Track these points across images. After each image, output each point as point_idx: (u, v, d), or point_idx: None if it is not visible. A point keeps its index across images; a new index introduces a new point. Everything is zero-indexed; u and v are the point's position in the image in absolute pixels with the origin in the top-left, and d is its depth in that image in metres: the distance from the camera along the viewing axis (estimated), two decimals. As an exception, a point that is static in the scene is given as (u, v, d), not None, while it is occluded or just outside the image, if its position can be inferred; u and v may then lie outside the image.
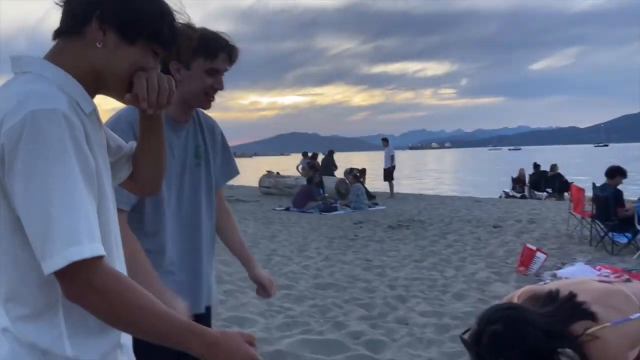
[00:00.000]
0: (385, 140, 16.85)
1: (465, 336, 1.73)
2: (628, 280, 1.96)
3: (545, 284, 5.30)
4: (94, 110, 1.09)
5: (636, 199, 7.58)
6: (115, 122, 1.60)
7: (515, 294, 1.91)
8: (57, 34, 1.07)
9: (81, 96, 1.04)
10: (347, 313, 4.66)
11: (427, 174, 44.13)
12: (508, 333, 1.59)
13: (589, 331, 1.63)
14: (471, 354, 1.69)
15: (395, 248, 7.86)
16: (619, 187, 7.69)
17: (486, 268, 6.40)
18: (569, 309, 1.69)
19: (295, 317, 4.51)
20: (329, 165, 17.06)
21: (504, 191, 18.20)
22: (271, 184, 17.56)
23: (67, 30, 1.06)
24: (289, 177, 18.07)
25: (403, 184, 24.60)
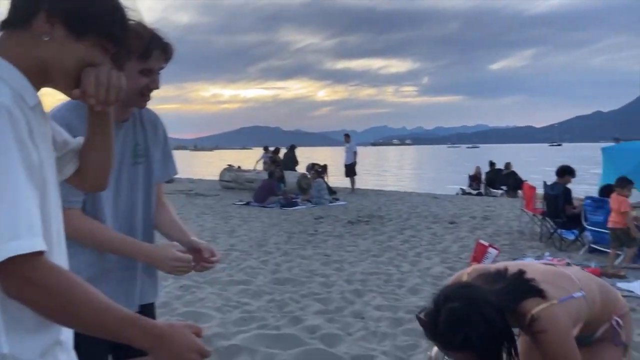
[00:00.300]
0: (347, 136, 16.98)
1: (422, 315, 1.72)
2: (568, 265, 2.03)
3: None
4: (39, 103, 1.07)
5: (584, 197, 7.89)
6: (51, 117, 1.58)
7: (463, 272, 1.91)
8: (3, 25, 1.04)
9: (25, 89, 1.02)
10: (304, 308, 4.71)
11: (388, 170, 44.67)
12: (465, 309, 1.59)
13: (538, 307, 1.66)
14: (428, 333, 1.69)
15: (354, 243, 7.96)
16: (568, 185, 8.01)
17: (441, 263, 6.57)
18: (519, 285, 1.71)
19: (252, 312, 4.52)
20: (291, 160, 17.06)
21: (461, 188, 18.62)
22: (232, 178, 17.43)
23: (14, 22, 1.03)
24: (250, 171, 17.98)
25: (364, 180, 24.82)
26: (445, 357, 1.86)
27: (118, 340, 0.98)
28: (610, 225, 6.51)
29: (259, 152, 18.58)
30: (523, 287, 1.71)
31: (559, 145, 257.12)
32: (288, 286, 5.45)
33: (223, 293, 5.15)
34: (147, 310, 1.85)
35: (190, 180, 22.94)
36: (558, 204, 7.73)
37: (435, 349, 1.82)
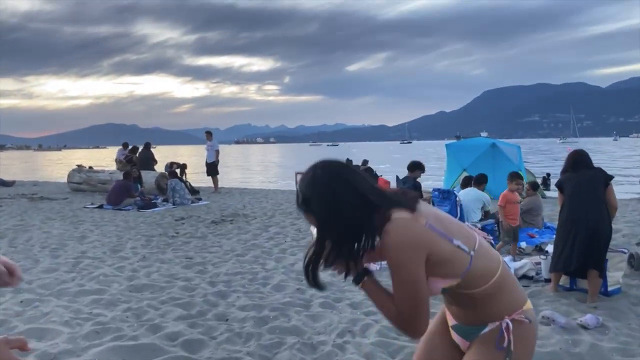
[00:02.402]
0: (209, 133, 16.55)
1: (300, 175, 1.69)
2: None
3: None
4: None
5: (431, 190, 8.53)
6: None
7: None
8: None
9: None
10: (164, 314, 4.46)
11: (252, 168, 44.59)
12: (321, 173, 1.57)
13: (400, 215, 1.52)
14: (297, 190, 1.66)
15: (217, 244, 7.77)
16: (418, 179, 8.61)
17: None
18: (401, 196, 1.61)
19: (105, 324, 4.17)
20: (148, 160, 16.20)
21: (323, 184, 19.18)
22: (82, 180, 16.08)
23: None
24: (102, 171, 16.75)
25: (228, 179, 24.50)
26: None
27: None
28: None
29: (113, 151, 17.36)
30: (402, 198, 1.59)
31: (409, 142, 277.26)
32: (146, 293, 5.13)
33: (72, 305, 4.70)
34: None
35: (34, 183, 20.79)
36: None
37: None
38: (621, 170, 29.47)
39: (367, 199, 1.55)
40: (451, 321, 1.83)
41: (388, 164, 36.86)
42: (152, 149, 17.08)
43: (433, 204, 7.93)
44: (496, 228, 7.84)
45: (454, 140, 16.70)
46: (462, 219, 7.37)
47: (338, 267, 1.65)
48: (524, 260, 5.94)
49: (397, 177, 8.93)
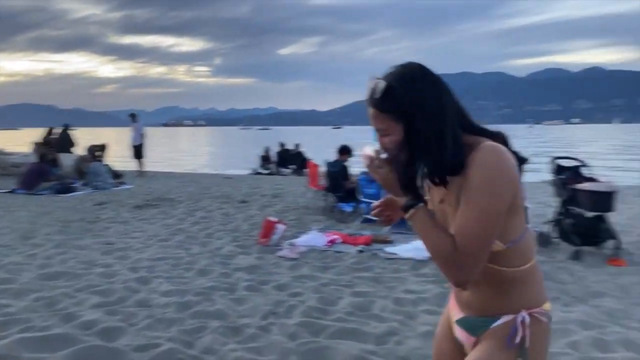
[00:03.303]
0: (133, 115, 15.90)
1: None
2: None
3: (282, 251, 5.62)
4: None
5: (359, 172, 8.66)
6: None
7: None
8: None
9: None
10: (79, 303, 4.25)
11: (180, 152, 43.44)
12: (428, 74, 1.40)
13: (492, 143, 1.35)
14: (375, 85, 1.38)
15: (140, 229, 7.51)
16: (346, 163, 8.72)
17: (231, 242, 6.58)
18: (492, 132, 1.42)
19: (13, 315, 3.92)
20: (66, 142, 15.35)
21: (252, 168, 19.03)
22: (-8, 163, 14.99)
23: None
24: (15, 154, 15.70)
25: (154, 162, 23.73)
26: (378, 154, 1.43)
27: None
28: None
29: (28, 133, 16.28)
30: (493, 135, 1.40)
31: (340, 128, 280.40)
32: (60, 281, 4.87)
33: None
34: None
35: (-64, 167, 19.15)
36: (337, 180, 8.37)
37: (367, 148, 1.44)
38: (535, 152, 31.31)
39: (464, 114, 1.40)
40: (457, 314, 1.58)
41: (319, 148, 37.07)
42: (71, 131, 16.21)
43: (360, 188, 8.06)
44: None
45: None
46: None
47: (394, 187, 1.43)
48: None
49: (327, 161, 8.99)
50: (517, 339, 1.39)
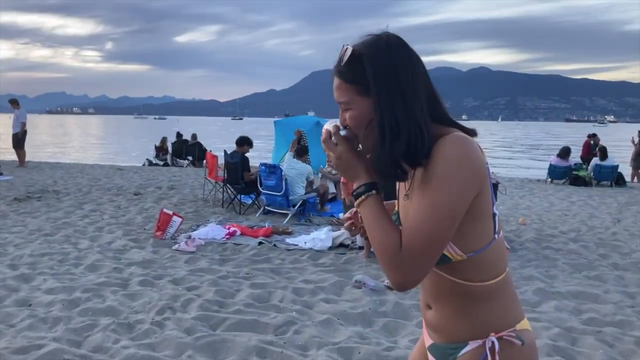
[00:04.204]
0: (14, 101, 14.54)
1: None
2: None
3: (179, 245, 5.46)
4: None
5: (258, 164, 8.63)
6: None
7: None
8: None
9: None
10: (-52, 304, 3.86)
11: (67, 141, 40.58)
12: (403, 47, 1.20)
13: (457, 134, 1.18)
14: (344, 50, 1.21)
15: (21, 223, 6.93)
16: (247, 154, 8.64)
17: (123, 236, 6.29)
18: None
19: None
20: None
21: (147, 159, 18.25)
22: None
23: None
24: None
25: (38, 152, 22.00)
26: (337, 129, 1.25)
27: None
28: None
29: None
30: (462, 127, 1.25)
31: (241, 119, 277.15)
32: None
33: None
34: None
35: None
36: (237, 172, 8.28)
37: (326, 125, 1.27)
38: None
39: (438, 102, 1.23)
40: (427, 341, 1.41)
41: (218, 139, 36.40)
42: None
43: (260, 179, 8.04)
44: (318, 201, 8.24)
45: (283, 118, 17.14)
46: (287, 192, 7.60)
47: (348, 169, 1.25)
48: (342, 230, 6.35)
49: (225, 151, 8.85)
50: None
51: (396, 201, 1.37)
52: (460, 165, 1.12)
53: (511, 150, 35.99)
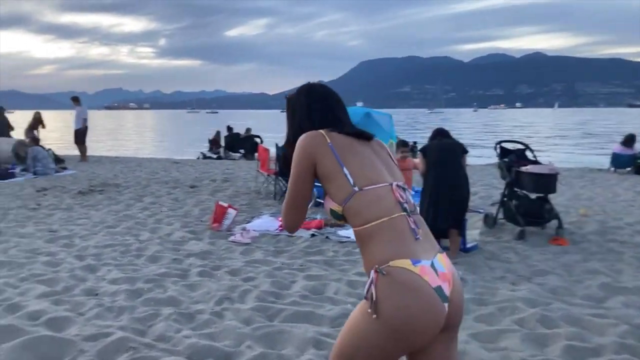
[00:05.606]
0: (76, 99, 15.20)
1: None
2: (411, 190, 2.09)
3: (234, 236, 5.56)
4: None
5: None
6: None
7: None
8: None
9: None
10: (24, 292, 4.09)
11: (124, 136, 42.10)
12: (303, 90, 1.99)
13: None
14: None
15: (85, 215, 7.26)
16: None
17: (182, 228, 6.47)
18: (337, 122, 1.89)
19: (-49, 307, 3.73)
20: (2, 126, 14.55)
21: (201, 152, 18.69)
22: None
23: None
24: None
25: (98, 147, 22.93)
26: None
27: None
28: None
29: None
30: (336, 124, 1.86)
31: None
32: (2, 271, 4.66)
33: None
34: None
35: None
36: (288, 164, 8.33)
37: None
38: (482, 136, 32.32)
39: (311, 119, 1.88)
40: None
41: (270, 132, 36.80)
42: (7, 114, 15.37)
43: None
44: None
45: (332, 109, 17.11)
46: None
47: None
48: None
49: (277, 144, 8.94)
50: (367, 295, 1.57)
51: None
52: (297, 149, 1.77)
53: (568, 138, 34.60)
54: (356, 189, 1.67)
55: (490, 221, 6.51)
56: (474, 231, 5.67)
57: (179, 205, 8.07)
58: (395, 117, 11.17)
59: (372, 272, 1.57)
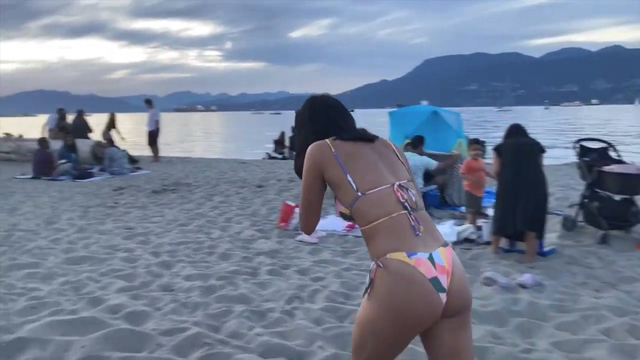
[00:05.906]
0: (149, 101, 15.86)
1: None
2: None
3: (302, 236, 5.55)
4: None
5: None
6: None
7: None
8: None
9: None
10: (105, 287, 4.29)
11: (194, 137, 43.56)
12: (307, 103, 2.12)
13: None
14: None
15: (159, 213, 7.54)
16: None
17: (250, 227, 6.58)
18: (344, 130, 2.00)
19: (42, 298, 3.96)
20: (82, 127, 15.40)
21: (267, 153, 19.00)
22: (11, 149, 15.15)
23: None
24: (33, 140, 15.81)
25: (169, 147, 23.82)
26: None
27: None
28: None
29: (44, 119, 16.35)
30: (341, 132, 1.97)
31: (352, 111, 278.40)
32: (85, 265, 4.92)
33: (4, 280, 4.43)
34: None
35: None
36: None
37: None
38: (555, 135, 30.91)
39: (315, 132, 2.01)
40: None
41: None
42: (86, 117, 16.26)
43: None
44: (439, 194, 8.00)
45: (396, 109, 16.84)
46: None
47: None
48: (467, 224, 6.11)
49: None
50: (367, 283, 1.75)
51: None
52: (306, 159, 1.91)
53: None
54: (359, 194, 1.81)
55: (569, 224, 6.17)
56: (551, 234, 5.40)
57: (247, 204, 8.22)
58: (462, 115, 10.85)
59: (372, 264, 1.75)
